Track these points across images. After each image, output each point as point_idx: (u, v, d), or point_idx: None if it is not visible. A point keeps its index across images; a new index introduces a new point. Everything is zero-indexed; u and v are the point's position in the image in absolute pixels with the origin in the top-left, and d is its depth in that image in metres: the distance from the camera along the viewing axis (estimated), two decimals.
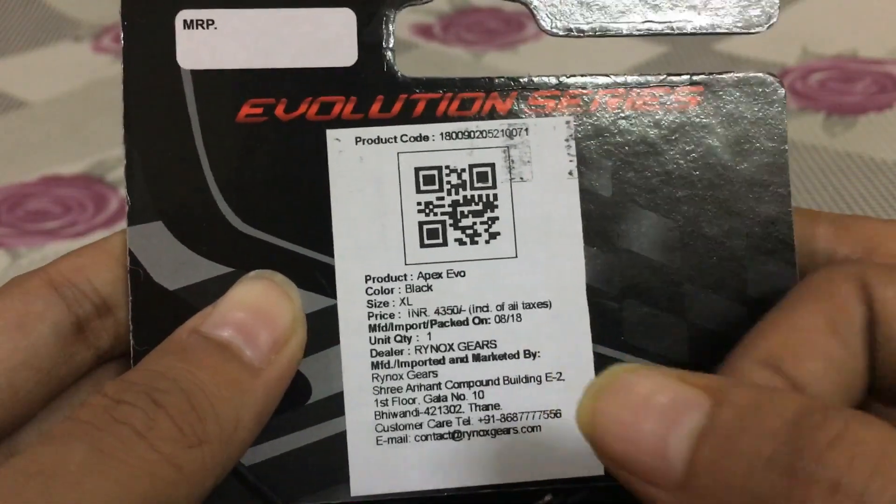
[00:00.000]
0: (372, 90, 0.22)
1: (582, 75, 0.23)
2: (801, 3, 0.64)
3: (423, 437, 0.21)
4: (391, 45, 0.22)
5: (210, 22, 0.22)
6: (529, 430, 0.22)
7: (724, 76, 0.23)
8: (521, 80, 0.22)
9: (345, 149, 0.22)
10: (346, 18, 0.22)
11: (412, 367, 0.22)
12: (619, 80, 0.23)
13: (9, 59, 0.54)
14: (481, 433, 0.22)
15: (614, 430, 0.16)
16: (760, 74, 0.23)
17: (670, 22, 0.23)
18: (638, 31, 0.23)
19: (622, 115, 0.22)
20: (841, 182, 0.44)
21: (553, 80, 0.22)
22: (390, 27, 0.22)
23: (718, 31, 0.23)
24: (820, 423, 0.15)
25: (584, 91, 0.22)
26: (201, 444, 0.17)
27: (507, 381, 0.22)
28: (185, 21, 0.22)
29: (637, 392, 0.16)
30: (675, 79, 0.23)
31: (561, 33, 0.23)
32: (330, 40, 0.22)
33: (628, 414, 0.16)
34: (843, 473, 0.14)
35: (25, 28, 0.57)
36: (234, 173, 0.22)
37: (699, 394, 0.16)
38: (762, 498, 0.14)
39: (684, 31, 0.23)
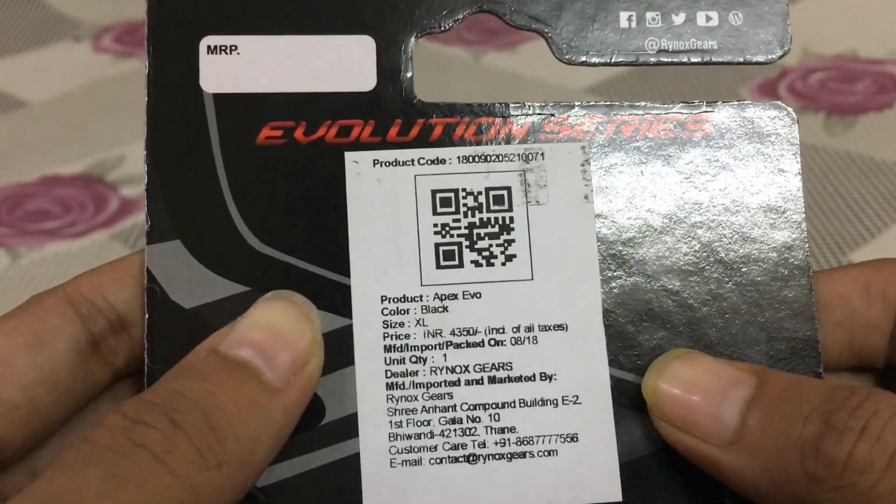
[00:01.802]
0: (390, 114, 0.22)
1: (597, 102, 0.23)
2: (801, 3, 0.64)
3: (438, 460, 0.21)
4: (409, 71, 0.23)
5: (233, 47, 0.22)
6: (546, 454, 0.21)
7: (738, 104, 0.23)
8: (537, 105, 0.23)
9: (363, 171, 0.22)
10: (365, 45, 0.23)
11: (427, 389, 0.21)
12: (636, 106, 0.23)
13: (9, 58, 0.54)
14: (497, 456, 0.21)
15: (674, 396, 0.20)
16: (774, 103, 0.23)
17: (687, 51, 0.23)
18: (654, 60, 0.23)
19: (637, 140, 0.23)
20: (841, 182, 0.43)
21: (569, 106, 0.23)
22: (409, 54, 0.23)
23: (735, 61, 0.23)
24: (850, 392, 0.18)
25: (600, 117, 0.23)
26: (220, 465, 0.17)
27: (522, 404, 0.21)
28: (209, 46, 0.22)
29: (695, 368, 0.20)
30: (691, 106, 0.23)
31: (576, 62, 0.23)
32: (350, 66, 0.22)
33: (688, 384, 0.20)
34: (868, 422, 0.18)
35: (25, 28, 0.57)
36: (252, 194, 0.22)
37: (746, 373, 0.20)
38: (801, 445, 0.18)
39: (700, 61, 0.23)
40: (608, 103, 0.23)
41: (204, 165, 0.22)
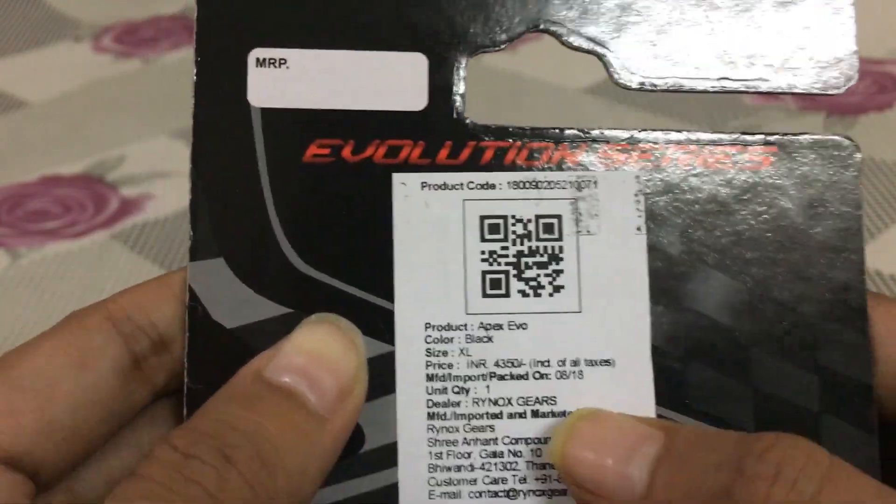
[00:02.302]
0: (440, 136, 0.22)
1: (653, 130, 0.22)
2: None
3: (478, 494, 0.21)
4: (462, 92, 0.22)
5: (282, 61, 0.22)
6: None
7: (798, 137, 0.22)
8: (591, 132, 0.22)
9: (410, 193, 0.22)
10: (417, 63, 0.22)
11: (469, 420, 0.21)
12: (692, 136, 0.22)
13: (9, 58, 0.54)
14: (538, 493, 0.21)
15: (582, 458, 0.19)
16: (837, 137, 0.22)
17: (746, 80, 0.22)
18: (713, 88, 0.22)
19: (693, 172, 0.22)
20: None
21: (624, 134, 0.22)
22: (461, 73, 0.22)
23: (794, 91, 0.22)
24: (758, 437, 0.18)
25: (656, 146, 0.22)
26: (270, 500, 0.17)
27: None
28: (257, 59, 0.22)
29: (602, 428, 0.20)
30: (748, 138, 0.22)
31: (633, 87, 0.22)
32: (400, 84, 0.22)
33: (595, 444, 0.19)
34: (781, 467, 0.17)
35: (25, 28, 0.57)
36: (298, 213, 0.21)
37: (654, 429, 0.19)
38: (711, 497, 0.17)
39: (759, 90, 0.22)
40: (665, 131, 0.22)
41: (249, 181, 0.21)
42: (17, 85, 0.52)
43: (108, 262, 0.42)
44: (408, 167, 0.22)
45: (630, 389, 0.21)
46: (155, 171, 0.45)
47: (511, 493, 0.21)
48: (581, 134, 0.22)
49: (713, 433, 0.19)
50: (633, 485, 0.18)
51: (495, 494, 0.21)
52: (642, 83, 0.22)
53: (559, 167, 0.22)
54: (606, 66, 0.22)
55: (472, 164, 0.22)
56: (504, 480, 0.21)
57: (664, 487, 0.18)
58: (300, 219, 0.21)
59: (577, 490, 0.19)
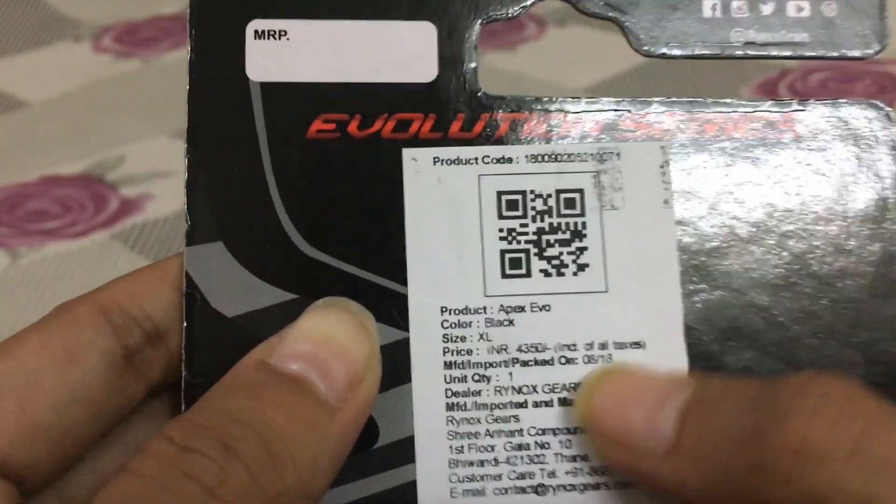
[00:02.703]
0: (452, 108, 0.20)
1: (679, 98, 0.21)
2: None
3: (503, 490, 0.19)
4: (474, 61, 0.21)
5: (283, 33, 0.20)
6: (622, 485, 0.19)
7: (832, 102, 0.21)
8: (612, 100, 0.21)
9: (422, 169, 0.20)
10: (426, 32, 0.21)
11: (491, 411, 0.19)
12: (720, 105, 0.21)
13: (9, 58, 0.54)
14: (568, 488, 0.19)
15: (608, 410, 0.18)
16: (871, 102, 0.21)
17: (776, 44, 0.21)
18: (739, 54, 0.21)
19: (722, 141, 0.21)
20: None
21: (647, 102, 0.21)
22: (473, 42, 0.21)
23: (829, 55, 0.21)
24: (792, 376, 0.17)
25: (681, 114, 0.21)
26: (278, 496, 0.15)
27: None
28: (256, 31, 0.20)
29: (631, 379, 0.19)
30: (779, 107, 0.21)
31: (656, 53, 0.21)
32: (408, 55, 0.20)
33: (622, 396, 0.18)
34: (819, 404, 0.16)
35: (25, 28, 0.57)
36: (301, 193, 0.20)
37: (686, 379, 0.18)
38: (742, 438, 0.16)
39: (790, 55, 0.21)
40: (690, 100, 0.21)
41: (249, 161, 0.20)
42: (17, 85, 0.52)
43: (108, 263, 0.41)
44: (418, 142, 0.20)
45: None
46: (155, 171, 0.45)
47: (539, 489, 0.19)
48: (602, 104, 0.21)
49: (744, 379, 0.18)
50: (662, 436, 0.17)
51: (522, 490, 0.19)
52: (664, 51, 0.21)
53: (580, 139, 0.20)
54: (625, 32, 0.21)
55: (487, 137, 0.20)
56: (531, 475, 0.19)
57: (693, 436, 0.17)
58: (305, 199, 0.20)
59: (605, 446, 0.18)
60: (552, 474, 0.19)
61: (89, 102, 0.50)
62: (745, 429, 0.16)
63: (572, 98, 0.21)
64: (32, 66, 0.54)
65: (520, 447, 0.19)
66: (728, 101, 0.21)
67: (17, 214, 0.42)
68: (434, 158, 0.20)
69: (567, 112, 0.21)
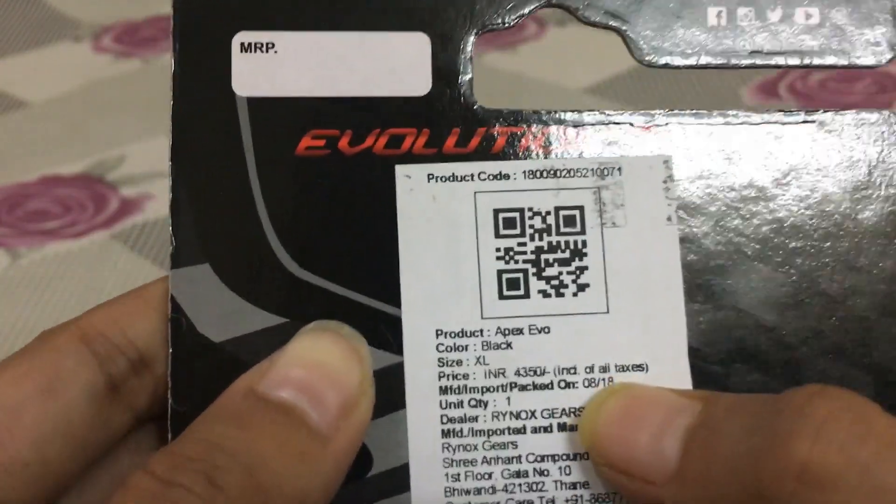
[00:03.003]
0: (447, 122, 0.20)
1: (682, 112, 0.20)
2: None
3: None
4: (469, 73, 0.20)
5: (270, 45, 0.20)
6: None
7: (842, 114, 0.20)
8: (613, 114, 0.20)
9: (416, 186, 0.19)
10: (419, 43, 0.20)
11: (488, 437, 0.19)
12: (725, 116, 0.20)
13: (9, 58, 0.55)
14: None
15: (614, 435, 0.18)
16: (885, 112, 0.20)
17: (784, 53, 0.20)
18: (745, 64, 0.20)
19: (727, 153, 0.20)
20: None
21: (650, 116, 0.20)
22: (468, 53, 0.20)
23: (839, 64, 0.20)
24: (795, 391, 0.16)
25: (685, 128, 0.20)
26: None
27: None
28: (242, 44, 0.20)
29: (635, 401, 0.18)
30: (786, 116, 0.20)
31: (658, 64, 0.20)
32: (401, 67, 0.20)
33: (627, 420, 0.18)
34: (822, 425, 0.15)
35: (25, 28, 0.58)
36: (291, 212, 0.19)
37: (690, 400, 0.17)
38: (743, 463, 0.15)
39: (799, 63, 0.20)
40: (695, 112, 0.20)
41: (236, 179, 0.19)
42: (16, 85, 0.52)
43: (107, 263, 0.41)
44: (412, 158, 0.19)
45: None
46: (155, 171, 0.45)
47: None
48: (603, 117, 0.20)
49: (750, 397, 0.17)
50: (666, 459, 0.17)
51: None
52: (667, 61, 0.20)
53: (579, 153, 0.20)
54: (627, 42, 0.20)
55: (483, 153, 0.20)
56: (530, 503, 0.19)
57: (696, 461, 0.16)
58: (294, 218, 0.19)
59: (610, 472, 0.18)
60: (551, 502, 0.19)
61: (89, 102, 0.50)
62: (745, 452, 0.15)
63: (572, 111, 0.20)
64: (32, 66, 0.54)
65: (518, 474, 0.19)
66: (734, 112, 0.20)
67: (17, 214, 0.43)
68: (428, 175, 0.19)
69: (566, 125, 0.20)
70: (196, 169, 0.19)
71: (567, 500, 0.19)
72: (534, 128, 0.20)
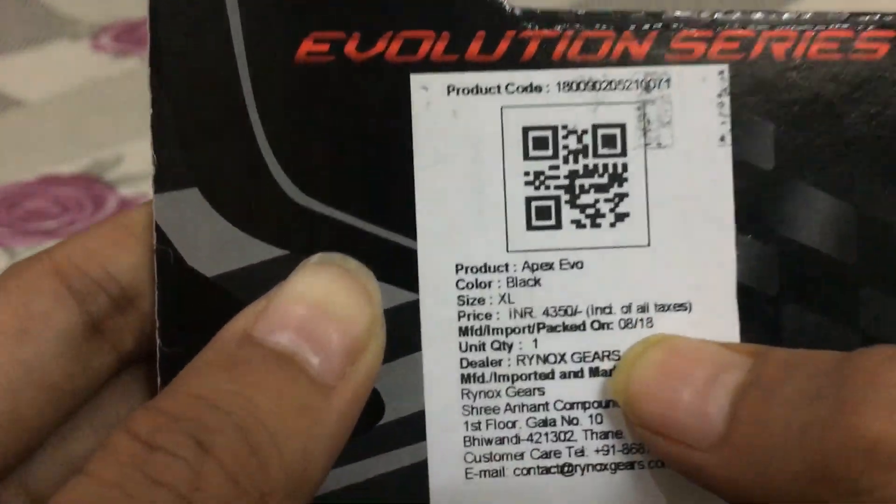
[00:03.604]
0: (470, 24, 0.17)
1: (743, 12, 0.17)
2: (801, 3, 0.60)
3: (524, 471, 0.17)
4: None
5: None
6: (659, 465, 0.17)
7: None
8: (663, 15, 0.17)
9: (434, 100, 0.17)
10: None
11: (513, 383, 0.17)
12: (790, 17, 0.17)
13: (6, 57, 0.55)
14: (598, 467, 0.17)
15: (651, 392, 0.16)
16: None
17: None
18: None
19: (792, 64, 0.17)
20: None
21: (705, 17, 0.17)
22: None
23: None
24: (865, 353, 0.14)
25: (744, 32, 0.17)
26: (263, 498, 0.13)
27: None
28: None
29: (676, 356, 0.16)
30: (860, 18, 0.17)
31: None
32: None
33: (666, 376, 0.16)
34: None
35: (22, 26, 0.58)
36: (290, 129, 0.17)
37: (739, 355, 0.16)
38: (804, 433, 0.14)
39: None
40: (756, 13, 0.17)
41: (227, 90, 0.17)
42: (14, 84, 0.52)
43: None
44: (429, 66, 0.17)
45: (712, 339, 0.17)
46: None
47: (566, 469, 0.17)
48: (650, 18, 0.17)
49: (810, 354, 0.15)
50: (712, 422, 0.15)
51: (546, 471, 0.17)
52: None
53: (622, 62, 0.17)
54: None
55: (512, 61, 0.17)
56: (557, 454, 0.17)
57: (747, 425, 0.15)
58: (294, 137, 0.17)
59: (646, 433, 0.16)
60: (580, 453, 0.17)
61: (87, 101, 0.50)
62: (806, 422, 0.14)
63: (615, 11, 0.17)
64: (30, 65, 0.54)
65: (544, 423, 0.17)
66: (802, 14, 0.17)
67: (15, 214, 0.42)
68: (448, 87, 0.17)
69: (608, 28, 0.17)
70: (180, 77, 0.17)
71: (598, 451, 0.17)
72: (570, 31, 0.17)
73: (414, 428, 0.17)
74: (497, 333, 0.17)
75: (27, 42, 0.55)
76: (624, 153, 0.17)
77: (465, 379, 0.17)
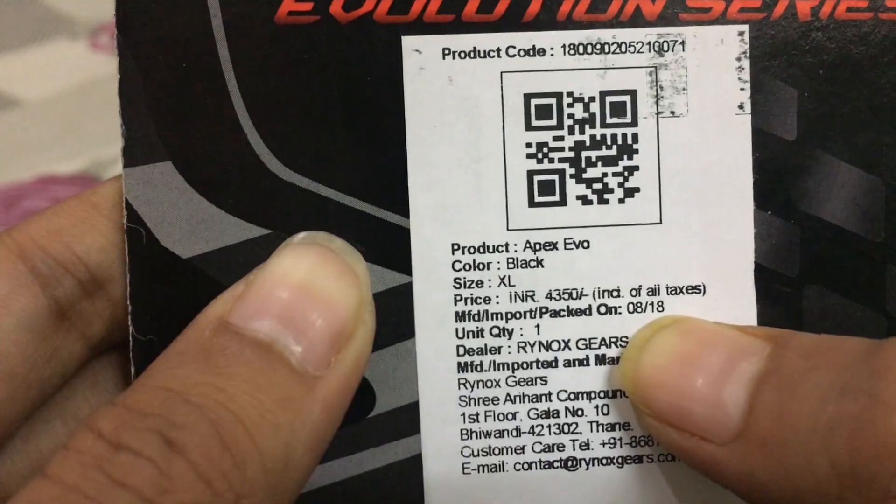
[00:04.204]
0: None
1: None
2: None
3: (526, 466, 0.16)
4: None
5: None
6: (668, 458, 0.16)
7: None
8: None
9: (427, 65, 0.16)
10: None
11: (513, 371, 0.16)
12: None
13: (3, 57, 0.55)
14: (604, 461, 0.16)
15: (662, 380, 0.15)
16: None
17: None
18: None
19: (818, 24, 0.16)
20: None
21: None
22: None
23: None
24: (891, 346, 0.13)
25: None
26: (239, 500, 0.12)
27: None
28: None
29: (689, 340, 0.15)
30: None
31: None
32: None
33: (679, 362, 0.15)
34: None
35: (20, 26, 0.58)
36: (271, 97, 0.15)
37: (758, 341, 0.14)
38: (829, 432, 0.13)
39: None
40: None
41: (202, 54, 0.15)
42: (12, 83, 0.52)
43: None
44: (422, 27, 0.15)
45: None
46: None
47: (570, 464, 0.16)
48: None
49: (835, 341, 0.14)
50: (728, 414, 0.14)
51: (549, 465, 0.16)
52: None
53: (633, 22, 0.16)
54: None
55: (513, 21, 0.16)
56: (560, 447, 0.16)
57: (766, 418, 0.13)
58: (276, 105, 0.15)
59: (656, 424, 0.15)
60: (585, 446, 0.16)
61: (86, 101, 0.50)
62: (833, 417, 0.13)
63: None
64: (28, 65, 0.54)
65: (547, 414, 0.16)
66: None
67: (14, 213, 0.42)
68: (444, 50, 0.16)
69: None
70: (149, 40, 0.15)
71: (604, 444, 0.16)
72: None
73: (407, 420, 0.16)
74: (496, 319, 0.16)
75: (25, 41, 0.55)
76: (634, 123, 0.16)
77: (462, 367, 0.16)
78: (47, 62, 0.53)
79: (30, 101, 0.50)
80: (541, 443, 0.16)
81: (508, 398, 0.16)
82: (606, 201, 0.16)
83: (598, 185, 0.16)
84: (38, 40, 0.54)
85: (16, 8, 0.58)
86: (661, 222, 0.16)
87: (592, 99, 0.16)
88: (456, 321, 0.16)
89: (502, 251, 0.16)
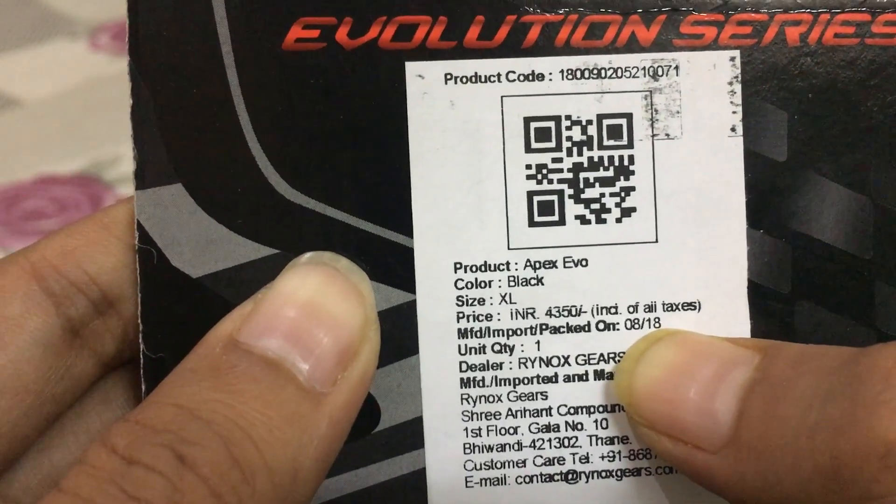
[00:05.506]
0: (468, 9, 0.16)
1: None
2: None
3: (527, 479, 0.16)
4: None
5: None
6: (666, 471, 0.16)
7: None
8: None
9: (430, 89, 0.16)
10: None
11: (514, 386, 0.16)
12: (807, 2, 0.16)
13: (4, 57, 0.56)
14: (603, 474, 0.16)
15: (656, 391, 0.15)
16: None
17: None
18: None
19: (806, 50, 0.16)
20: None
21: (716, 0, 0.16)
22: None
23: None
24: (880, 350, 0.13)
25: (757, 16, 0.16)
26: None
27: None
28: None
29: (682, 352, 0.15)
30: (878, 1, 0.17)
31: None
32: None
33: (672, 373, 0.15)
34: None
35: (20, 26, 0.58)
36: (279, 121, 0.16)
37: (748, 351, 0.15)
38: (820, 434, 0.13)
39: None
40: None
41: (212, 80, 0.16)
42: (12, 83, 0.52)
43: None
44: (425, 53, 0.16)
45: None
46: None
47: (570, 477, 0.16)
48: (658, 1, 0.16)
49: (821, 349, 0.14)
50: (719, 422, 0.14)
51: (550, 478, 0.16)
52: None
53: (629, 48, 0.16)
54: None
55: (513, 47, 0.16)
56: (561, 461, 0.16)
57: (755, 425, 0.14)
58: (283, 129, 0.16)
59: (651, 434, 0.15)
60: (585, 459, 0.16)
61: (86, 101, 0.50)
62: (818, 422, 0.13)
63: None
64: (28, 65, 0.54)
65: (548, 428, 0.16)
66: None
67: (13, 214, 0.42)
68: (446, 75, 0.16)
69: (614, 12, 0.16)
70: (162, 66, 0.16)
71: (603, 457, 0.16)
72: (574, 16, 0.16)
73: (411, 435, 0.16)
74: (498, 335, 0.16)
75: (25, 41, 0.56)
76: (630, 145, 0.16)
77: (465, 383, 0.16)
78: (47, 62, 0.53)
79: (30, 101, 0.50)
80: (542, 456, 0.16)
81: (510, 413, 0.16)
82: (604, 221, 0.16)
83: (595, 206, 0.16)
84: (37, 40, 0.54)
85: (16, 8, 0.58)
86: (657, 241, 0.16)
87: (590, 122, 0.16)
88: (458, 338, 0.16)
89: (503, 269, 0.16)
